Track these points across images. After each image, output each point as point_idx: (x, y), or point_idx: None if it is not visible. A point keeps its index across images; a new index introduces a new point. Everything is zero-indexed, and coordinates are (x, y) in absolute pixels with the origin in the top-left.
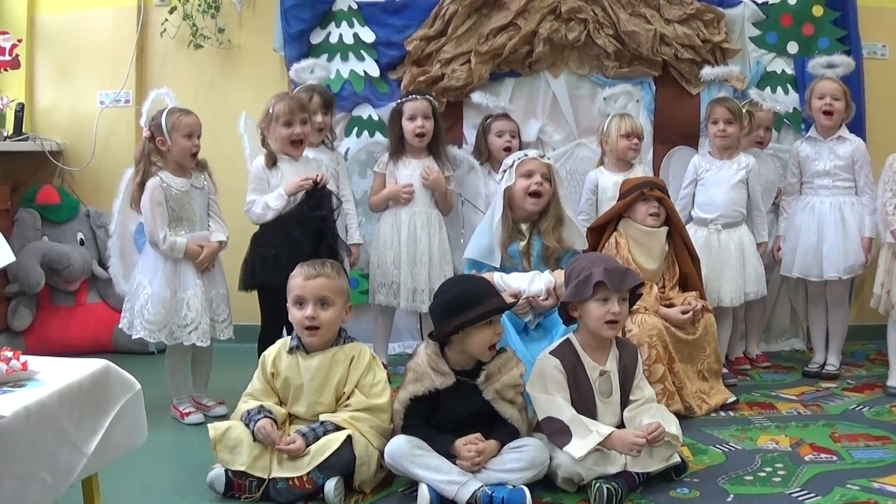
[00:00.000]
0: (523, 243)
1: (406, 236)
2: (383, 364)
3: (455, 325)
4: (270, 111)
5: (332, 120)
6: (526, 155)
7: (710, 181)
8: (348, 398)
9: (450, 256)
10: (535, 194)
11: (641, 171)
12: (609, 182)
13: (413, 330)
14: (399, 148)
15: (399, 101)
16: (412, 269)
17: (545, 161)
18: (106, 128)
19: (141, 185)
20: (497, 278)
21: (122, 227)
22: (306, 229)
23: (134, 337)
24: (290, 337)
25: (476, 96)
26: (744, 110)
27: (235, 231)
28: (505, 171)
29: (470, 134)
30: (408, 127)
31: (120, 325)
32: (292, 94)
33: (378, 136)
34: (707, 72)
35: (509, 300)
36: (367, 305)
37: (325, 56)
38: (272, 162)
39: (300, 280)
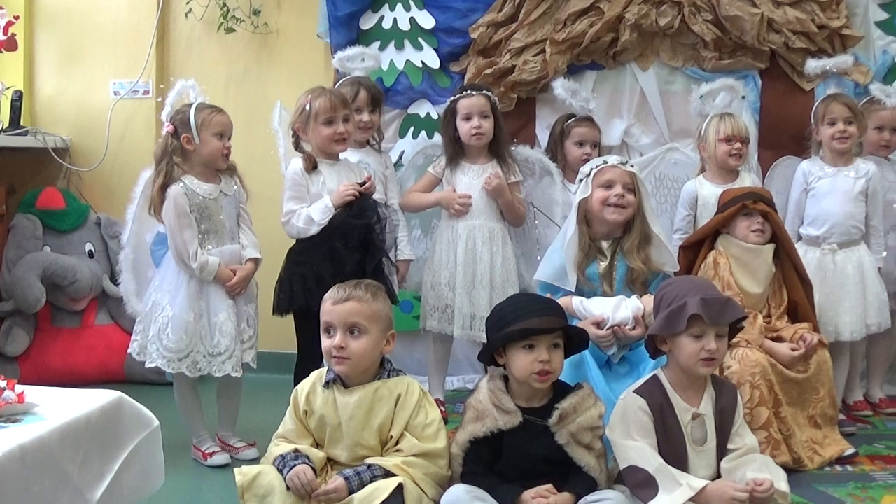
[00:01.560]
0: (604, 264)
1: (463, 253)
2: (439, 401)
3: (489, 345)
4: (307, 108)
5: (381, 118)
6: (605, 162)
7: (822, 191)
8: (398, 442)
9: (515, 278)
10: (616, 207)
11: (750, 180)
12: (710, 194)
13: (475, 361)
14: (456, 152)
15: (452, 98)
16: (469, 292)
17: (628, 169)
18: (120, 122)
19: (162, 189)
20: (576, 303)
21: (136, 236)
22: (349, 241)
23: (148, 365)
24: (326, 369)
25: (559, 89)
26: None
27: (268, 244)
28: (581, 180)
29: (543, 135)
30: (463, 127)
31: (129, 350)
32: (332, 89)
33: (438, 138)
34: (813, 65)
35: (591, 329)
36: (421, 332)
37: (376, 44)
38: (312, 166)
39: (328, 304)
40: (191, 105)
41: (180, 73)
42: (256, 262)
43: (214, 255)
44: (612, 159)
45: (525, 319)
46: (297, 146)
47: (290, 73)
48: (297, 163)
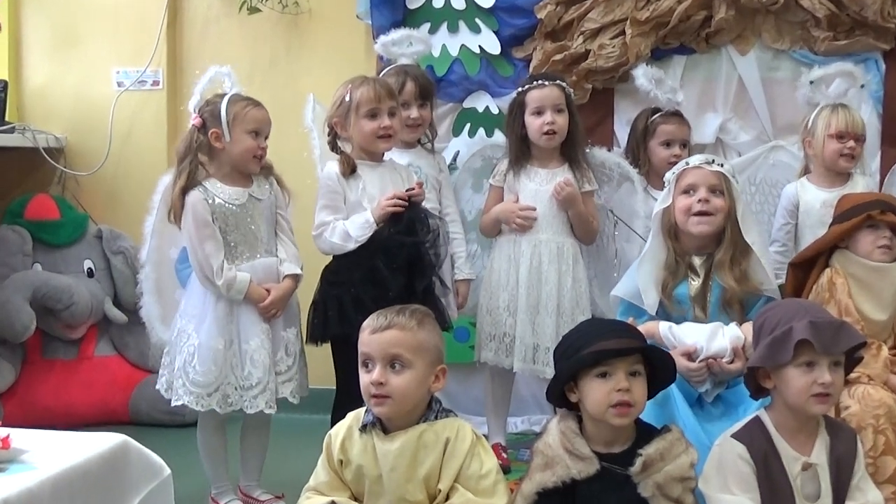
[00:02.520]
0: (696, 284)
1: (526, 273)
2: (500, 447)
3: (557, 377)
4: (347, 99)
5: (434, 113)
6: (687, 164)
7: None
8: (448, 497)
9: (586, 302)
10: (701, 216)
11: (864, 185)
12: (815, 200)
13: (543, 400)
14: (522, 153)
15: (520, 89)
16: (532, 319)
17: (714, 168)
18: (126, 118)
19: (184, 192)
20: (664, 330)
21: (158, 252)
22: (394, 260)
23: (174, 403)
24: (364, 409)
25: (641, 78)
26: None
27: (302, 261)
28: (667, 187)
29: (623, 133)
30: (533, 124)
31: (157, 387)
32: (376, 77)
33: (498, 136)
34: None
35: (681, 361)
36: (476, 365)
37: (426, 26)
38: (350, 169)
39: (366, 334)
40: (223, 96)
41: (195, 60)
42: (296, 278)
43: (245, 271)
44: (696, 159)
45: (598, 342)
46: (334, 146)
47: (324, 61)
48: (333, 166)
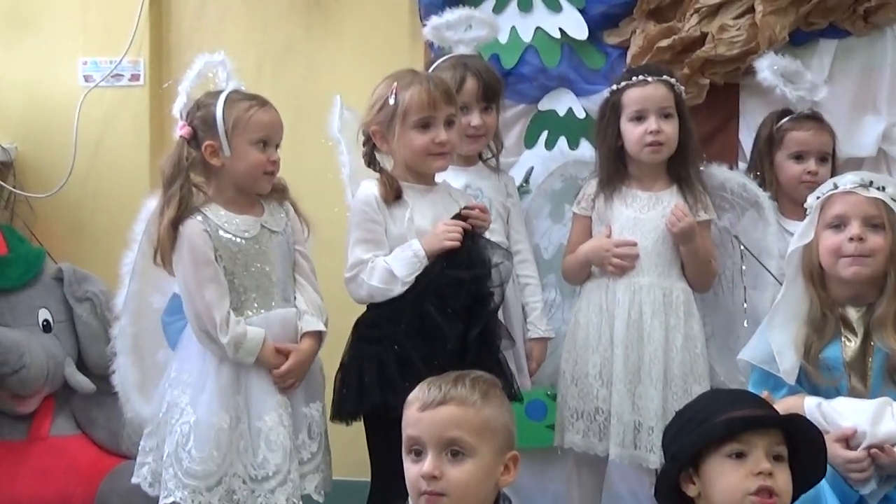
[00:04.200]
0: (852, 345)
1: (623, 329)
2: None
3: (672, 462)
4: (392, 102)
5: (499, 119)
6: (835, 186)
7: None
8: None
9: (703, 368)
10: (854, 258)
11: None
12: None
13: (645, 497)
14: (616, 171)
15: (614, 86)
16: (633, 389)
17: (872, 194)
18: (96, 123)
19: (174, 226)
20: (811, 407)
21: (138, 300)
22: (451, 304)
23: (164, 501)
24: None
25: (765, 70)
26: None
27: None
28: (808, 216)
29: (751, 143)
30: (632, 132)
31: (135, 479)
32: (430, 74)
33: (586, 148)
34: None
35: (835, 449)
36: (558, 451)
37: (489, 3)
38: (393, 193)
39: (414, 410)
40: (218, 94)
41: (187, 47)
42: (319, 337)
43: (256, 325)
44: (847, 180)
45: (728, 411)
46: (371, 162)
47: (356, 51)
48: (371, 188)
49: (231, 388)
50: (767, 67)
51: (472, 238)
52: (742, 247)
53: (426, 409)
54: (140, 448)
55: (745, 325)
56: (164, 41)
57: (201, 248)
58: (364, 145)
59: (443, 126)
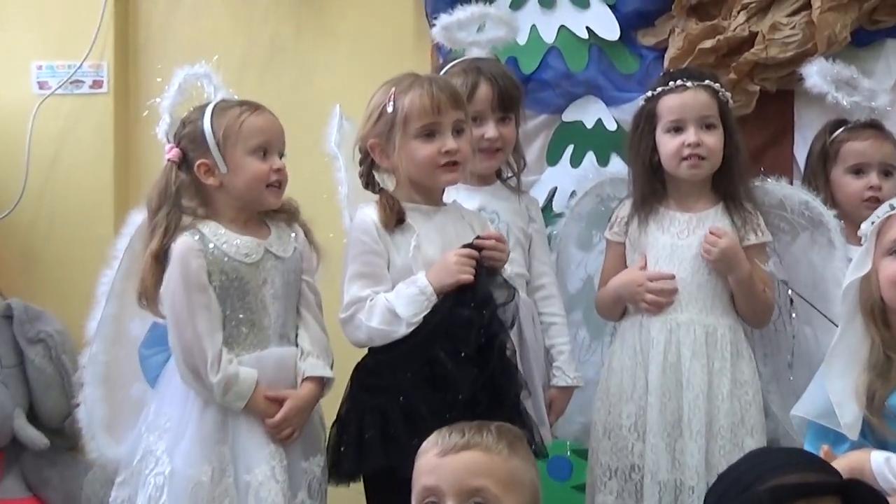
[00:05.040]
0: None
1: (659, 373)
2: None
3: None
4: (390, 109)
5: (520, 131)
6: (893, 208)
7: None
8: None
9: (756, 417)
10: None
11: None
12: None
13: None
14: (652, 190)
15: (649, 93)
16: (672, 444)
17: None
18: (52, 135)
19: (157, 259)
20: (878, 463)
21: (115, 324)
22: (460, 345)
23: None
24: None
25: (814, 76)
26: None
27: None
28: (864, 243)
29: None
30: (668, 145)
31: None
32: (433, 76)
33: (617, 164)
34: None
35: None
36: None
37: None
38: (395, 217)
39: (432, 457)
40: (204, 107)
41: (157, 50)
42: (323, 383)
43: (249, 364)
44: None
45: (775, 477)
46: (370, 182)
47: (353, 55)
48: (369, 214)
49: (216, 436)
50: (818, 73)
51: (487, 271)
52: (787, 286)
53: (447, 455)
54: (111, 500)
55: (791, 377)
56: (130, 42)
57: (195, 271)
58: (361, 163)
59: (450, 134)
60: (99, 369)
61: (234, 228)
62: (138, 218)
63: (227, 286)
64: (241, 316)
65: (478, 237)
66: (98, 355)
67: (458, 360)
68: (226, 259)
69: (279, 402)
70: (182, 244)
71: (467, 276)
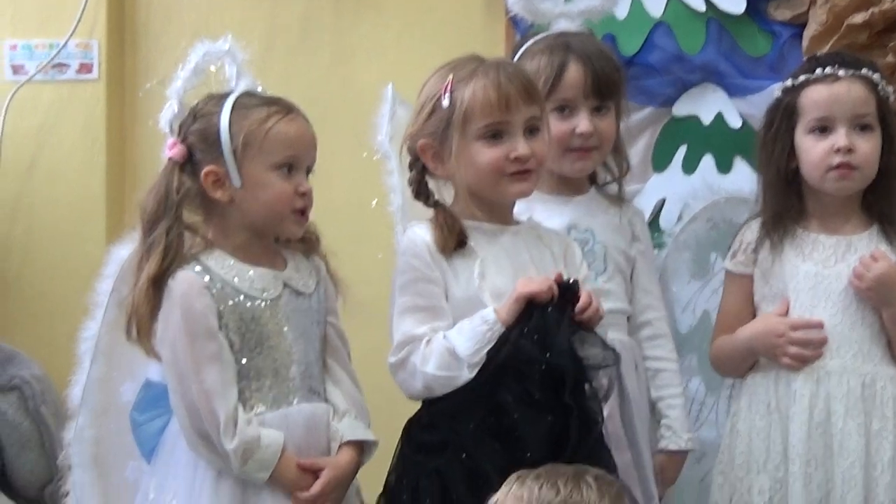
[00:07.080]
0: None
1: (804, 437)
2: None
3: None
4: (446, 102)
5: (620, 127)
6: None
7: None
8: None
9: None
10: None
11: None
12: None
13: None
14: (789, 205)
15: (787, 83)
16: None
17: None
18: (30, 131)
19: (156, 284)
20: None
21: (103, 389)
22: (536, 387)
23: None
24: None
25: None
26: None
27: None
28: None
29: None
30: (812, 150)
31: None
32: (501, 61)
33: (741, 173)
34: None
35: None
36: None
37: None
38: (454, 238)
39: None
40: (223, 98)
41: (161, 28)
42: (363, 448)
43: (273, 426)
44: None
45: None
46: (421, 192)
47: (405, 34)
48: (422, 233)
49: None
50: None
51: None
52: None
53: None
54: None
55: None
56: (127, 17)
57: (201, 314)
58: (411, 168)
59: (521, 135)
60: (87, 448)
61: (244, 257)
62: (123, 252)
63: (242, 330)
64: (260, 365)
65: (567, 286)
66: (85, 430)
67: (533, 408)
68: (240, 297)
69: (313, 471)
70: (182, 281)
71: (543, 288)
